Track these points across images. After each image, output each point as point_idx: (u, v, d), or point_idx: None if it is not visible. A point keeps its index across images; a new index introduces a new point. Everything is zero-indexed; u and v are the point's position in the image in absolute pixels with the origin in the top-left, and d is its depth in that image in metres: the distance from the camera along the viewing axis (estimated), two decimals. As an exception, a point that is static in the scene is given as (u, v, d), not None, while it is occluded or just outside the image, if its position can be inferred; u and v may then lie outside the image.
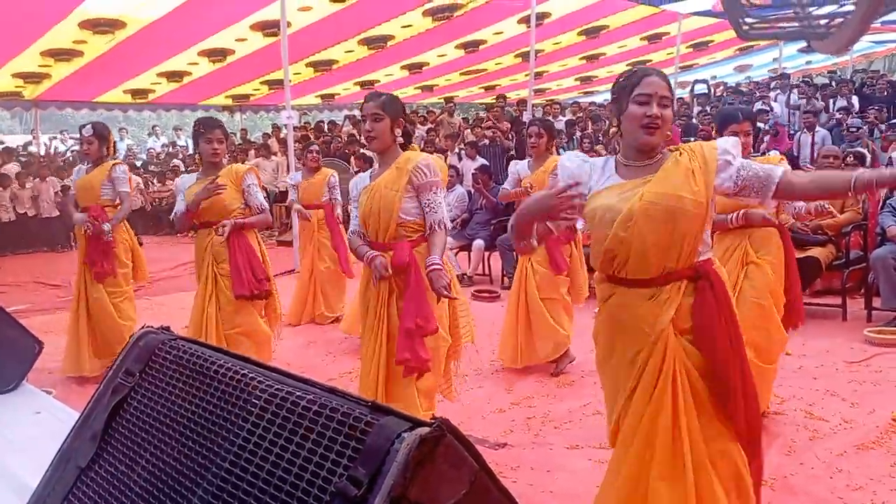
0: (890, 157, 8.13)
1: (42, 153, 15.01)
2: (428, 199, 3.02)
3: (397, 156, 3.07)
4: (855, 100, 12.45)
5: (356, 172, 7.12)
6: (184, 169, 14.24)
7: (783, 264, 3.67)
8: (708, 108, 13.07)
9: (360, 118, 3.15)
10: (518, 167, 4.90)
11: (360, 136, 13.01)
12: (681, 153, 2.12)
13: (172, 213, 4.11)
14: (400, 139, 3.09)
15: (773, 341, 3.63)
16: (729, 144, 2.12)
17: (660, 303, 2.07)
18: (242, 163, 13.33)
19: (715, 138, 2.57)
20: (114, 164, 4.87)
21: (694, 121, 12.15)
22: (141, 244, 4.46)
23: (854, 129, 9.61)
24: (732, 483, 2.10)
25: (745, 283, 3.59)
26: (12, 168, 13.15)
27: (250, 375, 0.96)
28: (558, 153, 4.83)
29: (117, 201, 4.85)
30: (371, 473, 0.75)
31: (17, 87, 12.29)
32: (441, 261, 2.95)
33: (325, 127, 15.38)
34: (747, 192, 2.09)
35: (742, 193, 2.10)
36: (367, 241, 3.12)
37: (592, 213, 2.15)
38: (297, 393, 0.89)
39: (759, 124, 11.31)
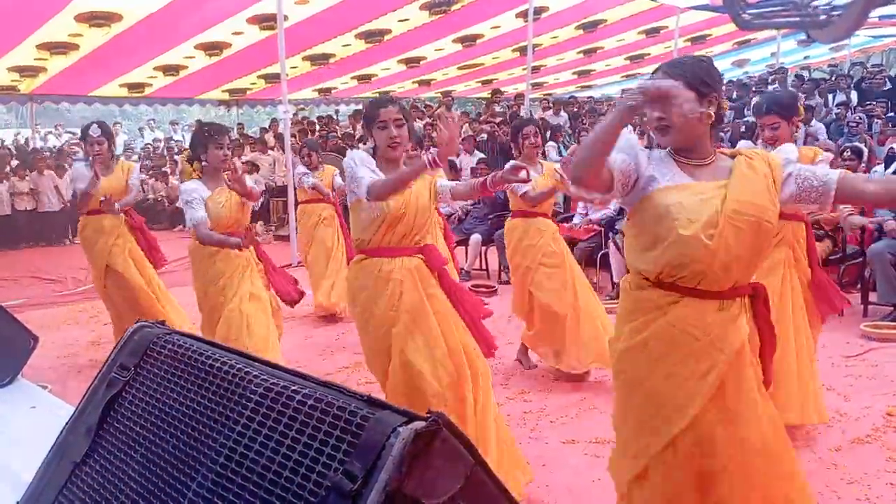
0: (891, 149, 8.13)
1: (40, 147, 14.97)
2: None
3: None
4: (854, 94, 12.45)
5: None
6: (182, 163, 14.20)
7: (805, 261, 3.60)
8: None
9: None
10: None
11: (354, 132, 13.00)
12: (751, 158, 1.95)
13: (191, 220, 3.77)
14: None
15: (814, 337, 3.63)
16: (789, 155, 2.08)
17: (731, 316, 1.91)
18: (239, 157, 13.33)
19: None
20: (132, 168, 5.05)
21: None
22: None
23: (854, 124, 9.60)
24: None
25: (789, 287, 3.50)
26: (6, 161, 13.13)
27: (245, 370, 0.96)
28: (560, 152, 4.78)
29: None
30: (366, 468, 0.74)
31: (12, 80, 12.25)
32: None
33: (318, 123, 15.30)
34: (804, 202, 1.97)
35: (800, 202, 1.98)
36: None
37: (660, 209, 1.91)
38: (293, 387, 0.88)
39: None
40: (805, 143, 9.59)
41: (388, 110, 2.83)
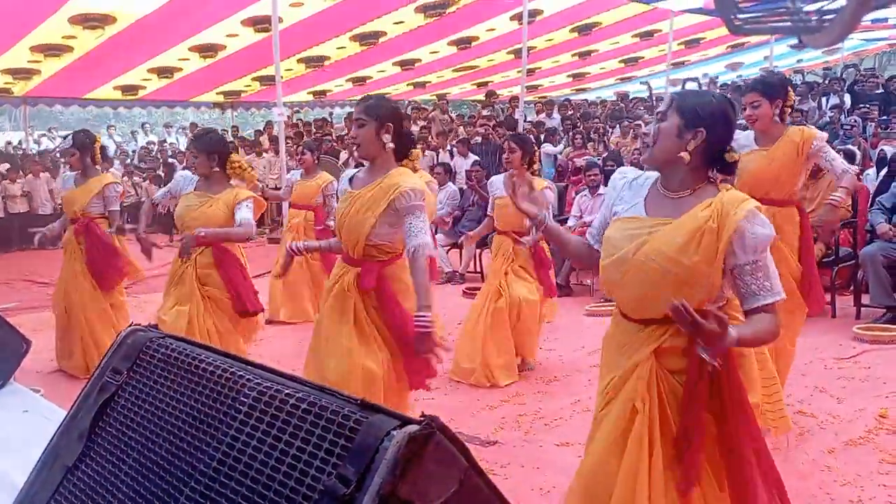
0: (882, 151, 8.17)
1: (33, 150, 14.90)
2: (410, 223, 2.79)
3: (389, 166, 2.88)
4: (847, 98, 12.49)
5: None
6: (181, 167, 14.15)
7: (797, 247, 3.58)
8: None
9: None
10: (495, 186, 4.68)
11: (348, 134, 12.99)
12: (710, 204, 1.89)
13: (152, 198, 4.12)
14: (391, 146, 2.85)
15: (797, 320, 3.61)
16: (754, 241, 1.84)
17: (642, 338, 1.96)
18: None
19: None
20: (108, 184, 4.84)
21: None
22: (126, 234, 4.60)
23: (850, 127, 9.63)
24: None
25: None
26: (1, 165, 13.08)
27: (239, 373, 0.96)
28: (537, 168, 4.66)
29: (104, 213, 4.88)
30: (360, 472, 0.74)
31: (6, 83, 12.19)
32: (430, 314, 2.69)
33: (312, 126, 15.26)
34: (732, 288, 1.91)
35: (731, 287, 1.91)
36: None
37: (605, 239, 2.05)
38: (287, 391, 0.88)
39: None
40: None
41: (355, 110, 2.88)
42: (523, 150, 4.47)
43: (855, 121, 9.92)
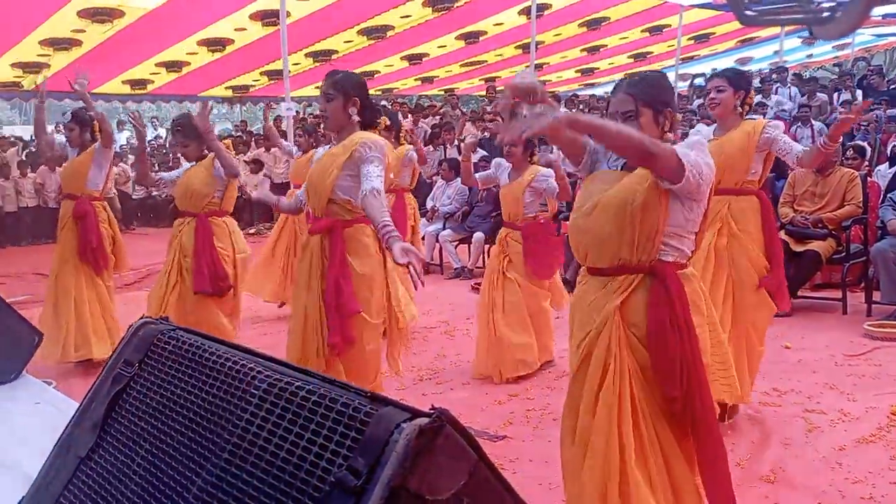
0: (894, 146, 8.10)
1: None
2: (367, 169, 2.87)
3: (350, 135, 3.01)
4: (859, 93, 12.40)
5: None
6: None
7: (762, 240, 3.59)
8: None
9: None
10: (500, 169, 4.71)
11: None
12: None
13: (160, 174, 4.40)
14: (356, 118, 3.00)
15: (762, 316, 3.61)
16: (700, 136, 2.08)
17: (609, 291, 2.10)
18: (244, 155, 13.32)
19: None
20: (97, 149, 4.83)
21: (696, 114, 12.12)
22: (126, 230, 4.55)
23: (867, 123, 9.54)
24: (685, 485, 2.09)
25: (729, 259, 3.55)
26: (12, 157, 13.14)
27: (249, 365, 0.96)
28: (538, 160, 4.65)
29: (103, 194, 4.89)
30: (370, 464, 0.74)
31: (15, 77, 12.25)
32: (391, 225, 2.71)
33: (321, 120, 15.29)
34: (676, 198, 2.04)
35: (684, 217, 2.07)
36: (306, 212, 3.20)
37: (579, 195, 2.22)
38: (297, 383, 0.89)
39: (757, 117, 11.23)
40: (813, 142, 9.56)
41: (323, 84, 2.98)
42: (524, 145, 4.47)
43: (877, 116, 9.77)
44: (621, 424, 2.06)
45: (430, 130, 12.23)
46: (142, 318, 1.21)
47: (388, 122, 5.56)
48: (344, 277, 2.92)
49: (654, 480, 2.05)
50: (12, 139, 14.46)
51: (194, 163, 4.13)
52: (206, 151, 4.06)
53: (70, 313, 4.73)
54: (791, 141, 3.65)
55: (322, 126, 3.07)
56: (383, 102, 16.19)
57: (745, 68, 17.84)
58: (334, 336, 2.94)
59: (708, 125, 4.36)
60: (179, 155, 4.29)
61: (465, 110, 14.89)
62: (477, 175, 4.86)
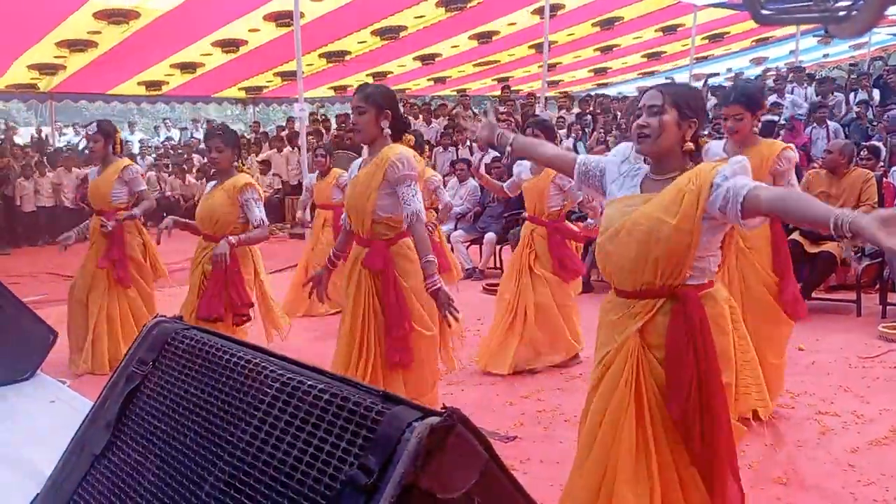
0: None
1: (63, 145, 15.11)
2: (403, 192, 3.00)
3: (382, 149, 3.08)
4: (876, 93, 12.27)
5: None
6: (201, 162, 14.26)
7: (769, 254, 3.57)
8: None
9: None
10: (521, 168, 4.76)
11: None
12: (691, 173, 2.08)
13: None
14: (388, 131, 3.07)
15: (779, 332, 3.59)
16: (730, 165, 2.01)
17: (632, 313, 2.13)
18: (256, 155, 13.35)
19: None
20: (125, 167, 4.84)
21: (709, 114, 12.04)
22: (158, 242, 4.49)
23: (886, 122, 9.42)
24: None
25: (740, 277, 3.53)
26: (31, 158, 13.25)
27: (262, 364, 0.97)
28: (575, 149, 4.75)
29: (130, 203, 4.89)
30: (382, 462, 0.75)
31: (32, 78, 12.36)
32: (436, 276, 2.93)
33: (334, 122, 15.30)
34: (728, 216, 1.99)
35: (725, 216, 2.00)
36: (351, 233, 3.25)
37: (604, 217, 2.24)
38: (309, 382, 0.89)
39: (773, 117, 11.15)
40: (828, 141, 9.46)
41: (354, 98, 3.05)
42: (547, 137, 4.48)
43: (892, 116, 9.65)
44: (620, 444, 2.09)
45: (441, 130, 12.22)
46: (155, 317, 1.22)
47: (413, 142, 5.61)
48: (398, 296, 3.02)
49: (655, 497, 2.06)
50: (30, 146, 14.49)
51: (212, 182, 4.07)
52: (235, 165, 4.00)
53: (102, 327, 4.80)
54: (795, 182, 3.60)
55: (354, 139, 3.13)
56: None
57: (760, 68, 17.80)
58: (393, 355, 3.01)
59: (714, 137, 4.31)
60: (206, 160, 4.22)
61: (476, 111, 14.87)
62: (504, 185, 4.94)
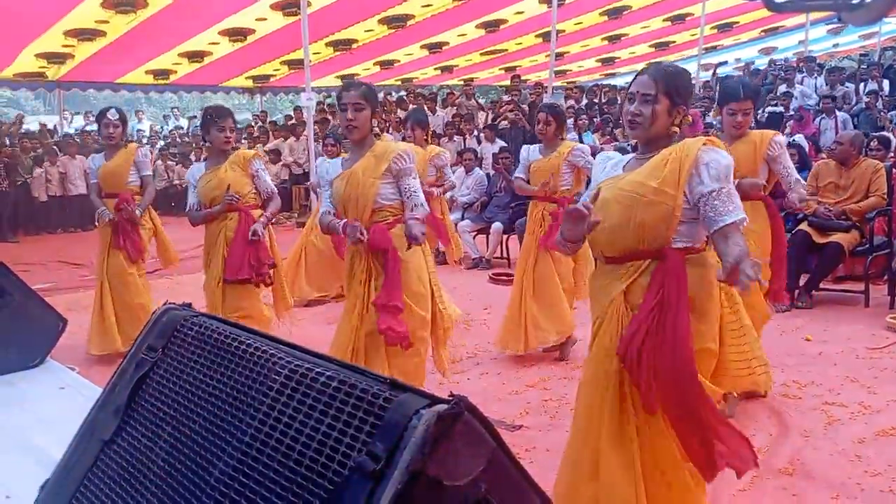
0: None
1: (71, 132, 15.14)
2: (407, 185, 3.13)
3: (371, 145, 3.16)
4: (886, 83, 12.18)
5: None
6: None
7: (768, 238, 3.59)
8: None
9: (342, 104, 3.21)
10: (528, 152, 4.74)
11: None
12: (679, 149, 2.14)
13: (187, 207, 4.25)
14: (375, 129, 3.21)
15: (755, 315, 3.60)
16: (716, 168, 2.07)
17: (618, 276, 2.19)
18: (264, 145, 13.37)
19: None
20: (137, 148, 4.98)
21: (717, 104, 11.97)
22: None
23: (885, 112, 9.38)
24: (669, 465, 2.14)
25: None
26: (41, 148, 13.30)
27: (270, 351, 0.97)
28: (581, 139, 4.75)
29: (140, 185, 4.96)
30: (389, 449, 0.75)
31: (40, 67, 12.38)
32: (421, 216, 3.09)
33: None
34: (700, 220, 2.10)
35: (698, 215, 2.10)
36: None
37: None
38: (317, 369, 0.90)
39: (780, 108, 11.09)
40: (836, 133, 9.41)
41: (348, 94, 3.08)
42: (557, 123, 4.52)
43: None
44: (604, 405, 2.16)
45: (448, 120, 12.19)
46: (165, 304, 1.23)
47: (420, 123, 5.64)
48: (396, 270, 3.08)
49: (634, 460, 2.11)
50: (37, 135, 14.51)
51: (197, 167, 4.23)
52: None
53: (116, 305, 4.91)
54: (791, 167, 3.66)
55: (347, 135, 3.18)
56: (402, 93, 16.19)
57: (768, 58, 17.67)
58: (382, 325, 3.03)
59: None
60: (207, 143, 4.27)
61: (482, 101, 14.81)
62: (516, 174, 4.88)
